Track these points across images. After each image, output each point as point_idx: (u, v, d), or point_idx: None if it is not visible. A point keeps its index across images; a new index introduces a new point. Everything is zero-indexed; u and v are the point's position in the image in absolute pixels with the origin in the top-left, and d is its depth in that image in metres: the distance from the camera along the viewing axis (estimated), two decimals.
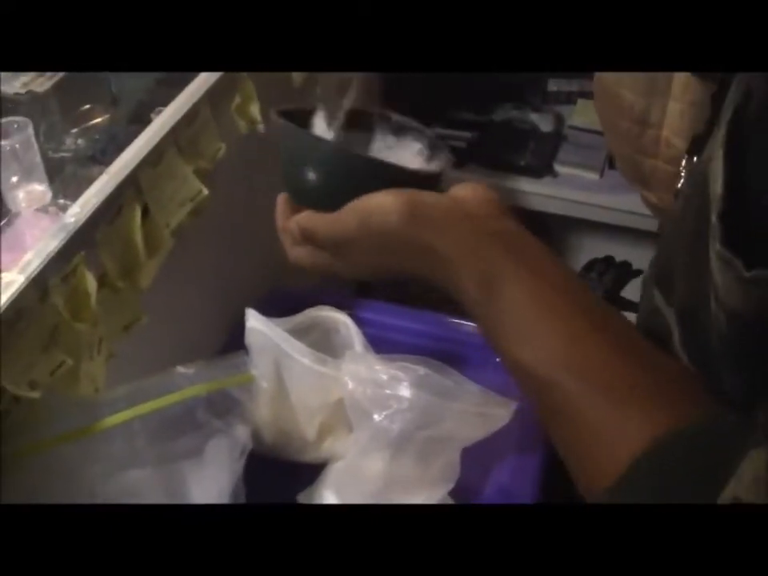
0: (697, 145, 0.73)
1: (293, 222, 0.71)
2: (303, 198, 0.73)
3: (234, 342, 1.04)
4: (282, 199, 0.75)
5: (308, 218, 0.69)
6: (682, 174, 0.78)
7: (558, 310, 0.58)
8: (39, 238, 0.82)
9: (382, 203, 0.64)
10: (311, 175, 0.71)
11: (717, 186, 0.52)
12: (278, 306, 1.08)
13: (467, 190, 0.66)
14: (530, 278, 0.59)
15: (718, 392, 0.53)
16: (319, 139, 0.74)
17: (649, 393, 0.54)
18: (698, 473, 0.48)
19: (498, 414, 0.97)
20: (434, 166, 0.77)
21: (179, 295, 1.08)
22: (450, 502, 0.97)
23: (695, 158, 0.74)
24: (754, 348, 0.47)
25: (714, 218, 0.52)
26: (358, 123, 0.78)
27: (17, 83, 1.06)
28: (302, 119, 0.77)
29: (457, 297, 0.63)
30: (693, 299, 0.57)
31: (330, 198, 0.69)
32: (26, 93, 1.05)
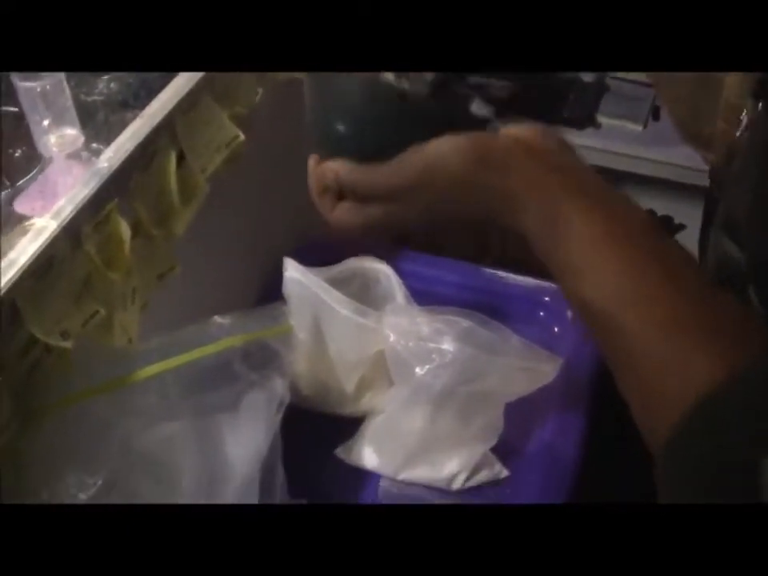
0: (764, 88, 0.69)
1: (333, 177, 0.66)
2: (339, 149, 0.67)
3: (270, 292, 1.02)
4: (314, 161, 0.69)
5: (357, 171, 0.65)
6: (743, 118, 0.74)
7: (620, 245, 0.56)
8: (71, 186, 0.79)
9: (446, 150, 0.62)
10: (353, 123, 0.66)
11: None
12: (316, 256, 1.05)
13: (523, 129, 0.64)
14: (592, 213, 0.58)
15: None
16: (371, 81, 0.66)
17: (713, 332, 0.52)
18: (762, 417, 0.46)
19: (544, 369, 0.94)
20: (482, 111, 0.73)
21: (215, 245, 1.05)
22: (492, 458, 0.95)
23: (761, 104, 0.71)
24: None
25: None
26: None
27: None
28: None
29: (521, 235, 0.61)
30: (764, 248, 0.55)
31: (376, 144, 0.64)
32: None
